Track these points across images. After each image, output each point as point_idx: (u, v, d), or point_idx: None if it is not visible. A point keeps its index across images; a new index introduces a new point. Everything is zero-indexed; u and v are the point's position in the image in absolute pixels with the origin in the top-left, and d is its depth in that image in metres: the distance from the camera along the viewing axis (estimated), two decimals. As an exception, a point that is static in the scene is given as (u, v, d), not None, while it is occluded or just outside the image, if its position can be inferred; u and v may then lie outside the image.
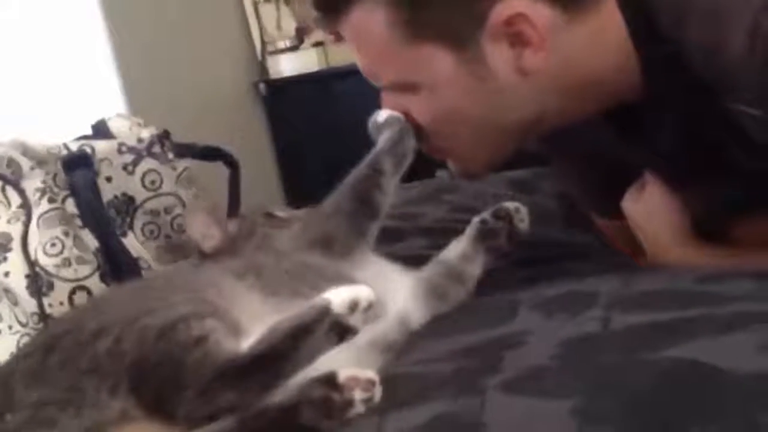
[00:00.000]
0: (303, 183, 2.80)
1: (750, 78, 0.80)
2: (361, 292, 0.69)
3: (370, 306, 0.69)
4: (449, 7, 0.87)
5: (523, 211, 0.98)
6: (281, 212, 1.00)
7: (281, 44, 2.84)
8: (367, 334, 0.76)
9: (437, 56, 0.89)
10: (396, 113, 0.95)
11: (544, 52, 0.88)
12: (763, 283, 0.79)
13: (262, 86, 2.84)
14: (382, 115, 0.96)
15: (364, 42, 0.93)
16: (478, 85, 0.90)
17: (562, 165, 1.19)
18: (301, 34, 2.84)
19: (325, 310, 0.68)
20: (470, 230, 0.98)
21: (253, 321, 0.73)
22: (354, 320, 0.68)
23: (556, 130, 0.99)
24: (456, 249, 0.97)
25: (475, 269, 0.96)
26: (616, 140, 1.02)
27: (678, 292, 0.82)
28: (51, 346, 0.70)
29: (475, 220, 0.98)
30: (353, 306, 0.68)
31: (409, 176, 1.26)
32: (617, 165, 1.07)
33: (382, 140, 0.94)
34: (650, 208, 1.06)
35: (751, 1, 0.79)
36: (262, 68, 2.86)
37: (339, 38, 2.79)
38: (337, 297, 0.68)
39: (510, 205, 0.98)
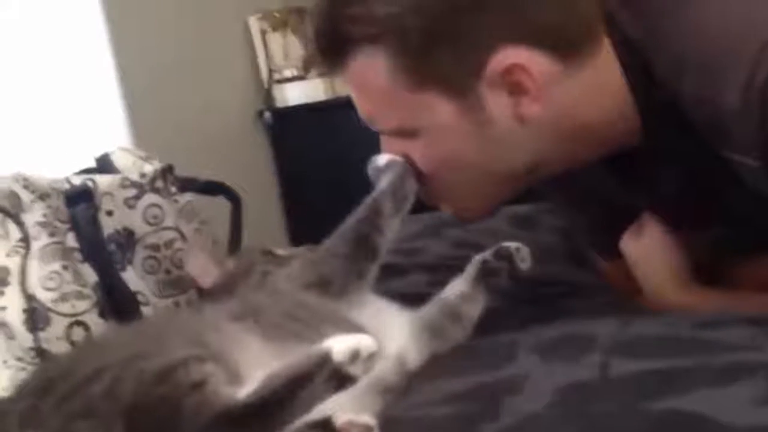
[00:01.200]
0: (306, 212, 2.81)
1: (744, 130, 0.80)
2: (362, 341, 0.68)
3: (371, 355, 0.68)
4: (450, 56, 0.88)
5: (524, 251, 0.98)
6: (281, 250, 1.00)
7: (288, 73, 2.86)
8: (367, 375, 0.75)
9: (438, 103, 0.90)
10: (397, 157, 0.96)
11: (542, 100, 0.89)
12: (761, 330, 0.79)
13: (267, 114, 2.85)
14: (382, 159, 0.97)
15: (365, 88, 0.94)
16: (478, 131, 0.90)
17: (564, 206, 1.19)
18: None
19: (326, 359, 0.67)
20: (470, 269, 0.98)
21: (252, 366, 0.73)
22: (354, 369, 0.67)
23: (556, 175, 0.99)
24: (456, 288, 0.97)
25: (474, 309, 0.96)
26: (616, 185, 1.02)
27: (676, 338, 0.82)
28: (46, 388, 0.70)
29: (476, 259, 0.98)
30: (354, 355, 0.67)
31: (413, 209, 1.26)
32: (619, 206, 1.07)
33: (383, 183, 0.95)
34: (648, 251, 1.06)
35: (744, 55, 0.79)
36: (268, 96, 2.87)
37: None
38: (338, 345, 0.67)
39: (511, 245, 0.98)
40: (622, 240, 1.10)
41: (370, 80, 0.92)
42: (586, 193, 1.10)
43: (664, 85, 0.87)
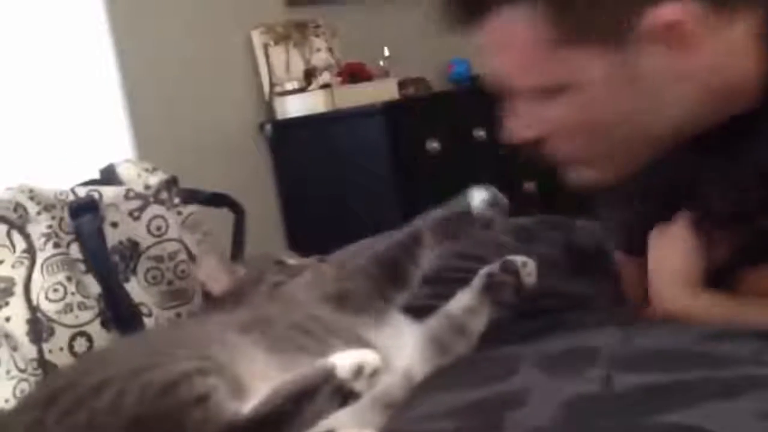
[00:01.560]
0: (306, 223, 2.81)
1: None
2: (366, 357, 0.69)
3: (375, 372, 0.69)
4: (606, 9, 0.86)
5: (531, 265, 0.98)
6: (291, 259, 1.00)
7: (289, 86, 2.86)
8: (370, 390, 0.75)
9: (591, 57, 0.87)
10: (499, 196, 0.94)
11: (699, 53, 0.87)
12: (766, 344, 0.79)
13: (268, 127, 2.86)
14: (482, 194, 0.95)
15: (510, 42, 0.90)
16: (631, 87, 0.88)
17: (608, 197, 1.16)
18: (308, 77, 2.86)
19: (330, 374, 0.67)
20: (477, 282, 0.97)
21: (257, 378, 0.73)
22: (358, 385, 0.68)
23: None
24: (461, 301, 0.97)
25: (479, 323, 0.96)
26: (700, 162, 0.99)
27: (680, 351, 0.82)
28: (51, 399, 0.70)
29: (482, 272, 0.98)
30: (358, 371, 0.68)
31: (411, 220, 1.26)
32: (670, 203, 1.05)
33: (437, 215, 0.93)
34: (668, 248, 1.04)
35: None
36: (269, 109, 2.88)
37: (346, 80, 2.83)
38: (343, 361, 0.68)
39: (518, 259, 0.98)
40: (651, 235, 1.08)
41: (516, 35, 0.88)
42: (647, 177, 1.08)
43: None
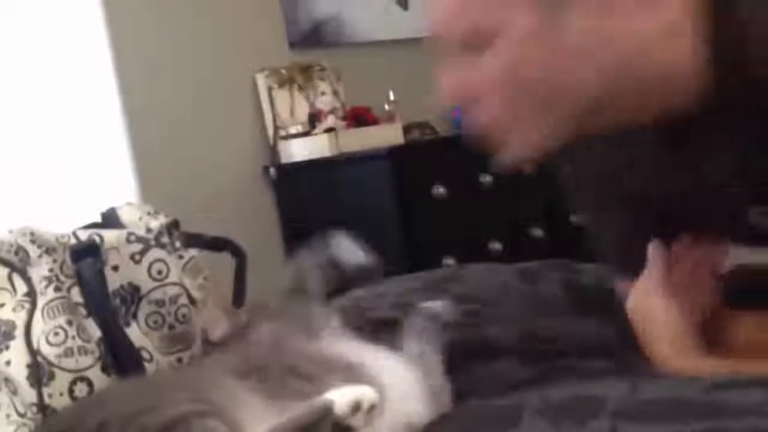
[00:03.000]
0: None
1: None
2: (364, 393, 0.70)
3: (372, 407, 0.70)
4: None
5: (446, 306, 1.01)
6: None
7: (293, 129, 2.88)
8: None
9: (521, 7, 0.88)
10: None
11: (627, 24, 0.88)
12: (773, 394, 0.78)
13: (272, 170, 2.87)
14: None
15: None
16: (555, 44, 0.89)
17: (595, 203, 1.16)
18: (313, 120, 2.88)
19: (328, 411, 0.68)
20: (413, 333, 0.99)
21: (255, 423, 0.73)
22: (356, 421, 0.69)
23: (602, 153, 0.98)
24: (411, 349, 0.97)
25: (431, 362, 0.96)
26: (666, 165, 1.00)
27: (685, 402, 0.81)
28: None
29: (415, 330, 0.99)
30: (356, 407, 0.69)
31: (416, 265, 1.26)
32: (656, 205, 1.06)
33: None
34: (651, 315, 1.05)
35: None
36: (274, 153, 2.89)
37: (351, 124, 2.84)
38: (340, 398, 0.69)
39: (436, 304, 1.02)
40: (628, 300, 1.09)
41: None
42: (624, 185, 1.07)
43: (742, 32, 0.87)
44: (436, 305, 0.99)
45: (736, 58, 0.89)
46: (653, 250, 1.07)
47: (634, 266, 1.10)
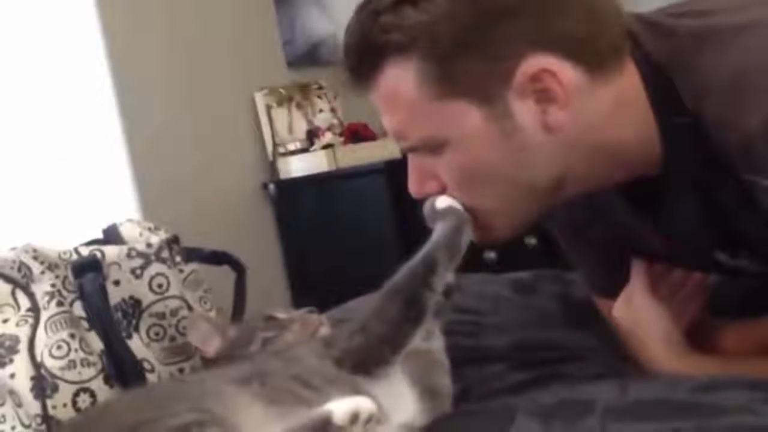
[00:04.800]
0: (309, 281, 2.82)
1: (765, 150, 0.82)
2: (362, 404, 0.71)
3: (370, 418, 0.71)
4: (479, 63, 0.89)
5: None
6: (281, 314, 1.02)
7: (292, 146, 2.90)
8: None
9: (466, 111, 0.90)
10: (456, 204, 0.95)
11: (569, 109, 0.89)
12: (758, 394, 0.80)
13: (271, 186, 2.89)
14: (442, 201, 0.96)
15: (395, 101, 0.94)
16: (506, 140, 0.91)
17: (573, 244, 1.19)
18: (311, 137, 2.91)
19: (327, 421, 0.70)
20: None
21: (256, 430, 0.74)
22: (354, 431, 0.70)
23: (577, 199, 0.99)
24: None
25: (439, 342, 0.98)
26: (632, 216, 1.02)
27: (674, 402, 0.83)
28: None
29: None
30: (354, 417, 0.70)
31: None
32: (631, 243, 1.08)
33: (439, 231, 0.94)
34: (640, 320, 1.07)
35: None
36: (273, 169, 2.92)
37: (349, 140, 2.86)
38: (339, 408, 0.70)
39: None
40: (615, 307, 1.11)
41: (399, 91, 0.92)
42: (596, 231, 1.10)
43: (686, 109, 0.88)
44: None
45: (679, 140, 0.91)
46: (635, 265, 1.10)
47: (611, 289, 1.13)
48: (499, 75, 0.89)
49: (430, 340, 0.97)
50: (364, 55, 0.94)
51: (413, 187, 0.99)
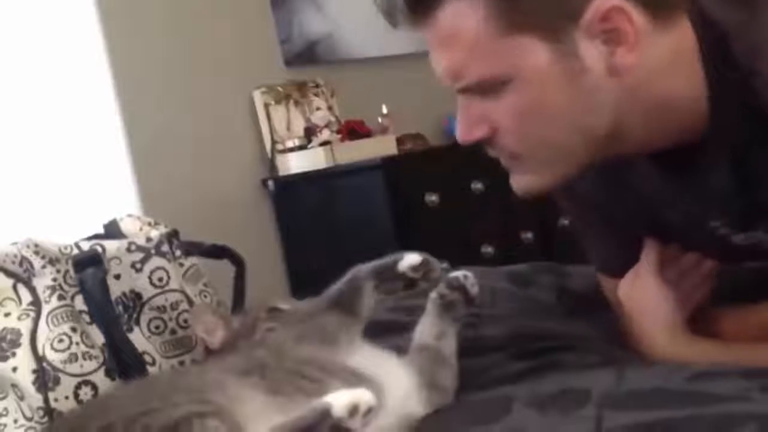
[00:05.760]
0: (308, 275, 2.83)
1: None
2: (361, 396, 0.72)
3: (370, 410, 0.71)
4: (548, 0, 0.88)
5: (471, 276, 1.00)
6: (284, 304, 1.03)
7: (290, 143, 2.91)
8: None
9: (532, 48, 0.89)
10: (432, 262, 0.97)
11: (636, 53, 0.89)
12: (753, 382, 0.81)
13: (270, 183, 2.90)
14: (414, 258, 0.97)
15: (455, 38, 0.91)
16: (571, 81, 0.90)
17: (587, 221, 1.18)
18: (309, 134, 2.92)
19: (326, 413, 0.70)
20: (432, 307, 1.00)
21: (257, 421, 0.75)
22: (353, 424, 0.70)
23: (603, 177, 0.98)
24: (429, 330, 0.99)
25: (451, 344, 0.98)
26: (661, 186, 1.01)
27: (669, 390, 0.83)
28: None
29: (433, 296, 1.00)
30: (353, 410, 0.70)
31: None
32: (645, 225, 1.07)
33: (367, 269, 0.98)
34: (643, 301, 1.07)
35: None
36: (272, 166, 2.93)
37: (346, 137, 2.88)
38: (338, 400, 0.70)
39: (458, 274, 1.00)
40: (620, 284, 1.11)
41: (462, 26, 0.90)
42: (620, 206, 1.09)
43: (739, 66, 0.88)
44: (461, 274, 1.00)
45: (728, 96, 0.90)
46: (647, 245, 1.09)
47: (618, 268, 1.13)
48: (569, 11, 0.88)
49: (442, 340, 0.98)
50: None
51: (461, 132, 0.97)
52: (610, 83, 0.90)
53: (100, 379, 0.99)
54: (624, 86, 0.90)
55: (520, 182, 0.98)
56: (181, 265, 1.14)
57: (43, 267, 1.03)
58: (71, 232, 1.25)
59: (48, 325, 1.00)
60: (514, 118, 0.92)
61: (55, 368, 0.98)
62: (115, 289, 1.07)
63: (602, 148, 0.94)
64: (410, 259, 0.98)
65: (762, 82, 0.86)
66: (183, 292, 1.10)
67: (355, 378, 0.86)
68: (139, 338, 1.05)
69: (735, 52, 0.88)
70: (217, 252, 1.22)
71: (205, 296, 1.15)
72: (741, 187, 0.95)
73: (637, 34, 0.88)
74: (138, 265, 1.09)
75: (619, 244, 1.14)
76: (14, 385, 0.98)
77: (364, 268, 0.99)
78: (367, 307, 0.98)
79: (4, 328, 1.00)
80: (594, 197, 1.11)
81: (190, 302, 1.10)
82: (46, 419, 0.95)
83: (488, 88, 0.92)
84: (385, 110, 2.98)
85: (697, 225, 1.02)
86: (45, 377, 0.97)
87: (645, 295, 1.07)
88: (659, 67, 0.91)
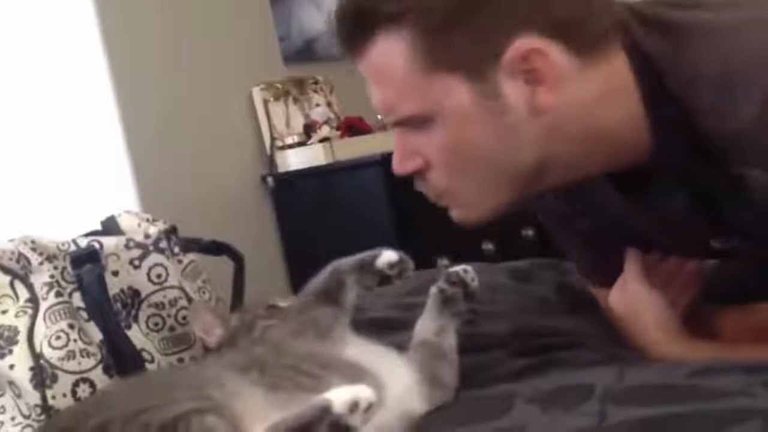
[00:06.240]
0: (308, 272, 2.82)
1: (759, 142, 0.82)
2: (361, 392, 0.71)
3: (370, 406, 0.71)
4: (470, 38, 0.89)
5: (471, 270, 1.00)
6: (282, 302, 1.02)
7: (289, 140, 2.91)
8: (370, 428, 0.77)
9: (455, 87, 0.90)
10: (405, 260, 0.98)
11: (557, 91, 0.89)
12: (754, 378, 0.80)
13: (270, 179, 2.90)
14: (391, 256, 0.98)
15: (385, 73, 0.93)
16: (492, 119, 0.90)
17: (566, 236, 1.19)
18: (308, 131, 2.91)
19: (326, 410, 0.69)
20: (432, 303, 1.00)
21: (256, 417, 0.74)
22: (353, 420, 0.70)
23: (562, 187, 0.99)
24: (429, 326, 0.99)
25: (451, 339, 0.98)
26: (623, 205, 1.02)
27: (672, 386, 0.83)
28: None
29: (433, 291, 1.00)
30: (353, 407, 0.70)
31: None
32: (623, 233, 1.08)
33: (344, 264, 1.00)
34: (634, 307, 1.07)
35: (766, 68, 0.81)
36: (271, 162, 2.92)
37: (345, 133, 2.87)
38: (338, 397, 0.70)
39: (458, 268, 1.01)
40: (610, 295, 1.11)
41: (389, 63, 0.91)
42: (590, 224, 1.09)
43: (676, 99, 0.88)
44: (460, 269, 1.00)
45: (668, 129, 0.90)
46: (629, 254, 1.10)
47: (605, 279, 1.13)
48: (490, 52, 0.88)
49: (442, 336, 0.98)
50: (356, 25, 0.93)
51: (395, 165, 0.98)
52: (532, 121, 0.90)
53: (97, 376, 0.99)
54: (548, 124, 0.91)
55: (457, 215, 1.00)
56: (180, 261, 1.14)
57: (41, 264, 1.03)
58: (69, 228, 1.25)
59: (45, 322, 0.99)
60: (441, 154, 0.94)
61: (52, 365, 0.97)
62: (113, 285, 1.06)
63: (531, 181, 0.95)
64: (388, 256, 0.99)
65: (699, 117, 0.86)
66: (181, 288, 1.10)
67: (354, 373, 0.85)
68: (137, 335, 1.05)
69: (670, 86, 0.88)
70: (216, 248, 1.22)
71: (204, 293, 1.15)
72: (699, 208, 0.95)
73: (558, 74, 0.89)
74: (136, 262, 1.08)
75: (600, 255, 1.15)
76: (11, 383, 0.97)
77: (344, 263, 1.00)
78: (351, 299, 0.98)
79: (1, 326, 0.99)
80: (564, 213, 1.12)
81: (189, 299, 1.10)
82: (43, 417, 0.95)
83: (417, 123, 0.93)
84: (384, 106, 2.97)
85: (672, 234, 1.03)
86: (42, 375, 0.96)
87: (636, 302, 1.08)
88: (591, 101, 0.91)
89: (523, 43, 0.88)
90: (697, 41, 0.88)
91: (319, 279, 1.01)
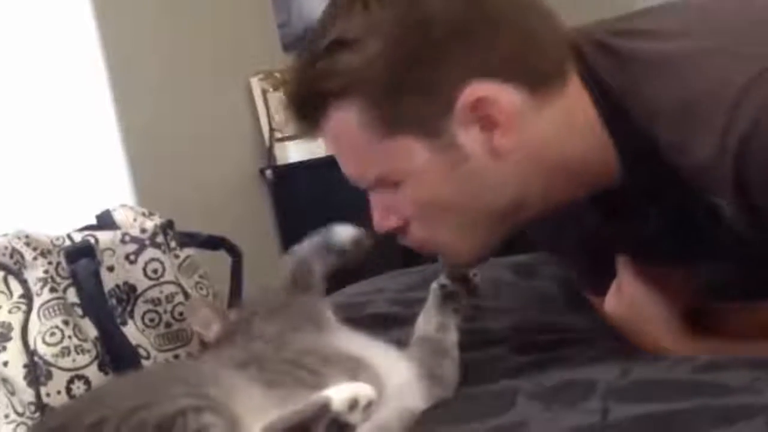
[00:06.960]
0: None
1: (721, 175, 0.81)
2: (361, 390, 0.71)
3: (369, 404, 0.71)
4: (418, 99, 0.89)
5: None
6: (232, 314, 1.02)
7: (288, 131, 2.90)
8: (369, 425, 0.76)
9: (413, 147, 0.90)
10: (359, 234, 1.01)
11: (514, 132, 0.89)
12: (760, 373, 0.80)
13: (268, 172, 2.89)
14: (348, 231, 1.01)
15: (342, 145, 0.95)
16: (456, 170, 0.91)
17: (552, 249, 1.19)
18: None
19: (325, 408, 0.69)
20: (434, 298, 1.00)
21: (254, 414, 0.74)
22: (353, 418, 0.70)
23: (544, 216, 0.99)
24: (430, 321, 0.99)
25: (453, 336, 0.98)
26: (604, 223, 1.02)
27: (675, 382, 0.82)
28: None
29: (434, 287, 1.00)
30: (353, 404, 0.70)
31: (413, 260, 1.27)
32: (603, 245, 1.07)
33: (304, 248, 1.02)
34: (634, 309, 1.07)
35: (722, 100, 0.80)
36: (270, 155, 2.91)
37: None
38: (338, 395, 0.70)
39: None
40: (606, 301, 1.11)
41: (346, 134, 0.93)
42: (576, 237, 1.10)
43: (640, 131, 0.88)
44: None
45: (636, 159, 0.91)
46: (621, 263, 1.10)
47: (599, 286, 1.13)
48: (440, 108, 0.89)
49: (443, 332, 0.97)
50: (307, 104, 0.94)
51: (376, 224, 0.99)
52: (496, 164, 0.91)
53: (93, 373, 0.98)
54: (513, 164, 0.91)
55: (448, 259, 1.01)
56: (177, 256, 1.13)
57: (35, 259, 1.02)
58: (63, 223, 1.24)
59: (39, 319, 0.99)
60: (415, 209, 0.95)
61: (47, 362, 0.96)
62: (109, 281, 1.05)
63: (511, 218, 0.96)
64: (344, 232, 1.03)
65: (663, 147, 0.86)
66: (178, 284, 1.09)
67: (354, 369, 0.85)
68: (133, 331, 1.04)
69: (635, 122, 0.88)
70: (214, 243, 1.21)
71: (201, 288, 1.14)
72: (674, 229, 0.96)
73: (511, 115, 0.89)
74: (132, 257, 1.07)
75: (591, 263, 1.14)
76: (5, 380, 0.97)
77: (303, 248, 1.02)
78: (320, 283, 1.00)
79: (-5, 322, 0.98)
80: (550, 226, 1.11)
81: (186, 294, 1.09)
82: (37, 414, 0.94)
83: (387, 184, 0.94)
84: (383, 97, 2.97)
85: (652, 252, 1.03)
86: (37, 372, 0.96)
87: (633, 302, 1.08)
88: (553, 135, 0.91)
89: (471, 91, 0.88)
90: (654, 76, 0.87)
91: (283, 270, 1.01)
